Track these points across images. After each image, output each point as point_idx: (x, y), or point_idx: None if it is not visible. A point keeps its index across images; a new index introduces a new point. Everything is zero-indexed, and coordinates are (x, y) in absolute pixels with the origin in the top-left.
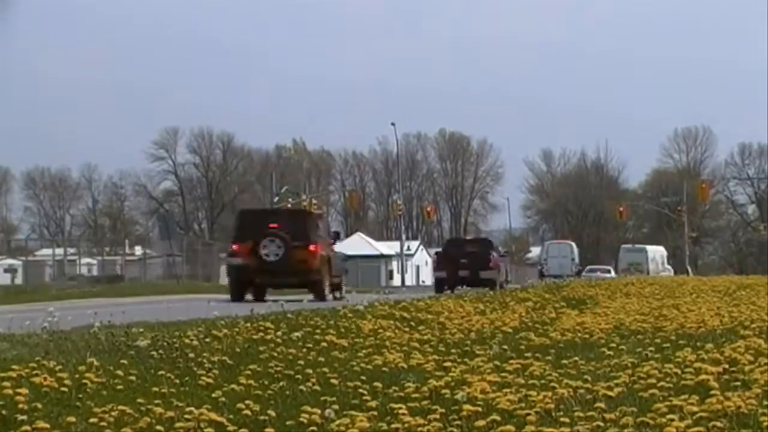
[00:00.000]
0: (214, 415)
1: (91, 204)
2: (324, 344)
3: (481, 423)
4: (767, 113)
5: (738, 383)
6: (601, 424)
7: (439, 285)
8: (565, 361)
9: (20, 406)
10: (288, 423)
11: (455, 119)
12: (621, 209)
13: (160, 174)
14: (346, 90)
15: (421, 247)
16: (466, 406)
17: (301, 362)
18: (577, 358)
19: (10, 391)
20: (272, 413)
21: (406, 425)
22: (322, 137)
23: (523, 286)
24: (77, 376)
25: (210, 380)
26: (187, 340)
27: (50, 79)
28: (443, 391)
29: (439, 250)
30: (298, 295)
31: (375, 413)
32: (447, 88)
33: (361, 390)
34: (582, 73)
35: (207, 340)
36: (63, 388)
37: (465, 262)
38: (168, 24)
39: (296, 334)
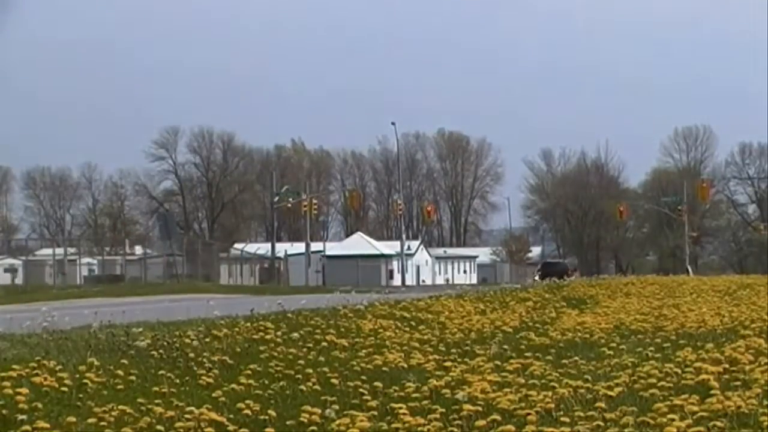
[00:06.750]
0: (214, 415)
1: (91, 204)
2: (324, 344)
3: (481, 423)
4: (767, 113)
5: (738, 383)
6: (602, 423)
7: None
8: (565, 361)
9: (20, 405)
10: (288, 423)
11: (455, 119)
12: (621, 209)
13: (161, 174)
14: (345, 90)
15: (422, 246)
16: (467, 406)
17: (301, 362)
18: (577, 358)
19: (11, 391)
20: (272, 413)
21: (406, 425)
22: (321, 137)
23: (523, 285)
24: (77, 375)
25: (210, 380)
26: (187, 340)
27: (51, 78)
28: (443, 390)
29: None
30: None
31: (375, 413)
32: (447, 88)
33: (361, 390)
34: (582, 72)
35: (207, 340)
36: (63, 388)
37: None
38: (168, 24)
39: (296, 333)
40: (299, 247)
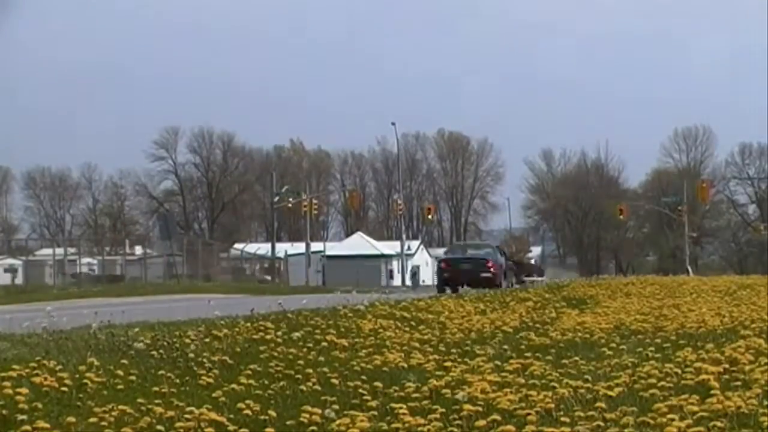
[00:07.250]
0: (214, 415)
1: (91, 204)
2: (324, 344)
3: (481, 423)
4: (767, 113)
5: (738, 383)
6: (602, 423)
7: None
8: (565, 361)
9: (20, 405)
10: (288, 423)
11: (455, 119)
12: (621, 208)
13: (161, 174)
14: (345, 90)
15: (422, 247)
16: (467, 406)
17: (301, 362)
18: (577, 358)
19: (11, 391)
20: (272, 413)
21: (406, 425)
22: (320, 137)
23: (524, 285)
24: (77, 375)
25: (210, 380)
26: (187, 340)
27: (51, 78)
28: (443, 390)
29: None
30: None
31: (375, 413)
32: (447, 88)
33: (361, 390)
34: (582, 72)
35: (207, 340)
36: (63, 388)
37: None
38: (168, 24)
39: (296, 333)
40: (299, 247)
